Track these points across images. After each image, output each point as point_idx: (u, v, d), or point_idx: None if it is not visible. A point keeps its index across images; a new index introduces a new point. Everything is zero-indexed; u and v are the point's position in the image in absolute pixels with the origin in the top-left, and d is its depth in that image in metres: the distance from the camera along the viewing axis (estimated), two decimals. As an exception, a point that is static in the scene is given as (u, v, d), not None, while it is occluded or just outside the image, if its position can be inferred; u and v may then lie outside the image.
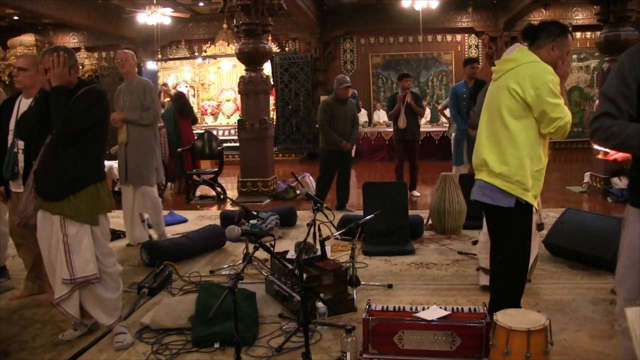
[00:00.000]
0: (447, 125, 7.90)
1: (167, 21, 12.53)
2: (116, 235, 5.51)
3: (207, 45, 13.81)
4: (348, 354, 2.64)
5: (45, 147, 2.95)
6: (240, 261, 4.51)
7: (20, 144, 3.58)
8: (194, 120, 9.02)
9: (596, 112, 2.12)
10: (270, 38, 10.76)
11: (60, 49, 2.94)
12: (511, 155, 2.66)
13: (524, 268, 2.84)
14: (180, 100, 8.65)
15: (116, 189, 6.92)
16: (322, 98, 13.29)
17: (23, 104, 3.62)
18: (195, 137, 8.45)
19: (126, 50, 5.32)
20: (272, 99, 11.82)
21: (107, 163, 5.90)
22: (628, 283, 2.08)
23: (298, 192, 7.76)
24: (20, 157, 3.58)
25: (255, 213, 4.81)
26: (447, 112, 7.27)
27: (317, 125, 13.19)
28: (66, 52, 2.93)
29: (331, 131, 6.41)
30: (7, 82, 12.15)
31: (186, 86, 14.13)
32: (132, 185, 5.13)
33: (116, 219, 5.60)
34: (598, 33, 7.87)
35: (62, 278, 2.91)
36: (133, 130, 5.04)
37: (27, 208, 3.07)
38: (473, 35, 13.98)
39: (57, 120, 2.83)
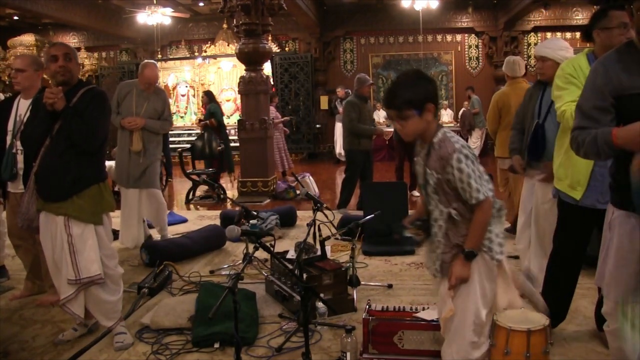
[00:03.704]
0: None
1: (167, 21, 12.54)
2: (116, 235, 5.50)
3: (207, 45, 13.82)
4: (348, 354, 2.64)
5: (44, 149, 2.93)
6: (240, 261, 4.51)
7: (19, 144, 3.56)
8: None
9: (573, 125, 2.10)
10: (270, 38, 10.77)
11: (67, 48, 3.00)
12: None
13: (555, 265, 2.89)
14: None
15: (116, 189, 6.91)
16: (322, 98, 13.35)
17: (22, 104, 3.61)
18: (195, 137, 8.47)
19: (152, 66, 5.05)
20: (272, 99, 11.82)
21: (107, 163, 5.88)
22: (619, 287, 2.08)
23: (298, 192, 7.76)
24: (20, 157, 3.57)
25: (255, 213, 4.81)
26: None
27: (317, 125, 13.25)
28: (68, 50, 2.98)
29: (363, 125, 6.38)
30: (7, 82, 12.16)
31: (186, 86, 14.13)
32: (137, 188, 5.03)
33: (116, 219, 5.58)
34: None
35: (68, 279, 2.90)
36: (147, 138, 4.98)
37: (29, 210, 3.05)
38: (473, 35, 13.98)
39: (80, 141, 2.87)
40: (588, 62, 2.69)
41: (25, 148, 3.19)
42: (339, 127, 12.28)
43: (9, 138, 3.60)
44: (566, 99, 2.65)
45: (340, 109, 12.05)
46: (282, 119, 9.95)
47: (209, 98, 8.85)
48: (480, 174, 2.07)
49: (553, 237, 2.92)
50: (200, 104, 13.75)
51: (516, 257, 4.17)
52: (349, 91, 12.30)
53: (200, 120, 8.80)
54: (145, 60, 5.25)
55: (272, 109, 9.56)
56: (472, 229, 2.12)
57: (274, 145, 9.40)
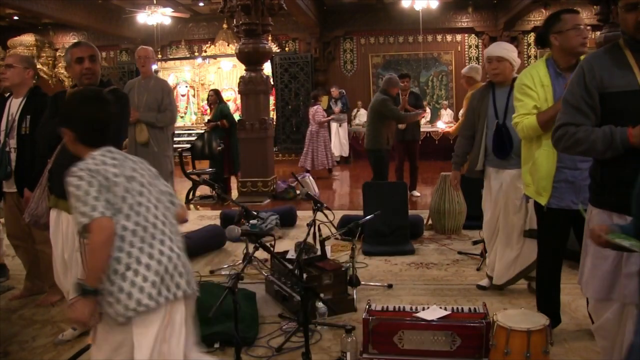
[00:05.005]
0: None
1: (167, 21, 12.53)
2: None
3: (207, 45, 13.81)
4: (348, 354, 2.64)
5: (61, 146, 2.92)
6: (240, 261, 4.51)
7: (12, 142, 3.57)
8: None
9: (559, 120, 2.14)
10: (270, 38, 10.76)
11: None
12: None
13: (541, 264, 2.93)
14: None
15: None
16: (323, 98, 13.34)
17: (13, 104, 3.62)
18: (195, 137, 8.43)
19: (146, 47, 5.09)
20: (272, 99, 11.82)
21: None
22: (595, 284, 2.09)
23: (298, 192, 7.76)
24: (13, 156, 3.57)
25: (255, 213, 4.81)
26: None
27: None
28: (93, 51, 3.01)
29: (408, 113, 6.83)
30: (7, 82, 12.15)
31: (186, 86, 14.13)
32: None
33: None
34: (598, 33, 7.86)
35: (79, 278, 2.90)
36: (149, 131, 4.76)
37: (38, 206, 3.04)
38: (473, 35, 13.98)
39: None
40: (547, 68, 2.74)
41: (40, 145, 3.16)
42: (334, 127, 12.27)
43: (1, 137, 3.60)
44: (520, 112, 2.77)
45: (335, 109, 12.06)
46: (329, 118, 10.62)
47: (218, 97, 8.66)
48: (98, 195, 1.81)
49: (537, 240, 2.99)
50: (201, 103, 13.78)
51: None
52: (343, 91, 12.35)
53: (209, 121, 8.64)
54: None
55: (319, 108, 10.11)
56: (87, 258, 1.84)
57: (320, 143, 10.00)
